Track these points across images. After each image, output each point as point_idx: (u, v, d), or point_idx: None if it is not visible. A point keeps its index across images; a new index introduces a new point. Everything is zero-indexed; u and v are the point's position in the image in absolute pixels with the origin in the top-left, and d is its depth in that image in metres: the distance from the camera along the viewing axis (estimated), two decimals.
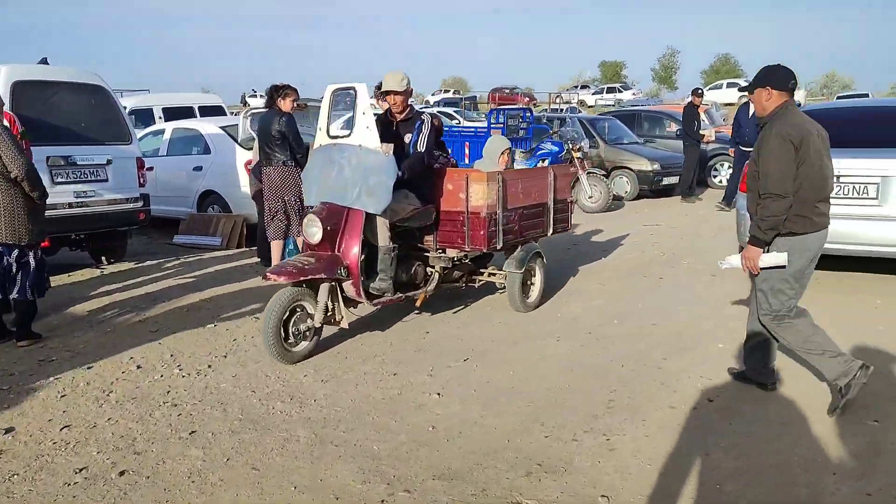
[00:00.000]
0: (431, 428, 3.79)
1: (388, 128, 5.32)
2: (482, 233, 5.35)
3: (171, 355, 4.92)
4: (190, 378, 4.51)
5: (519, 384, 4.38)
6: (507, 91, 44.25)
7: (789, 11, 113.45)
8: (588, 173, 11.62)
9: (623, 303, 6.17)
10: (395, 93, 5.22)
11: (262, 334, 4.64)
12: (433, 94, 52.39)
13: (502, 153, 5.95)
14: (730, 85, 40.85)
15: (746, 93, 4.29)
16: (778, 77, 3.90)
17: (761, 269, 3.85)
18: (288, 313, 4.68)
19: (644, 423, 3.81)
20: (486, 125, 12.50)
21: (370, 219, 4.92)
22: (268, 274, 4.66)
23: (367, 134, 4.85)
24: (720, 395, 4.17)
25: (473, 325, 5.64)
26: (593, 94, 47.06)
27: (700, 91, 12.96)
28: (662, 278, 7.03)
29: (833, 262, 7.09)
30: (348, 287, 4.90)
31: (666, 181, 12.98)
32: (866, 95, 29.61)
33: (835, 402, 3.84)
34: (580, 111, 29.26)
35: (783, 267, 3.81)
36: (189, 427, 3.80)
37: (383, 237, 5.00)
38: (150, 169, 10.37)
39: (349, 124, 4.95)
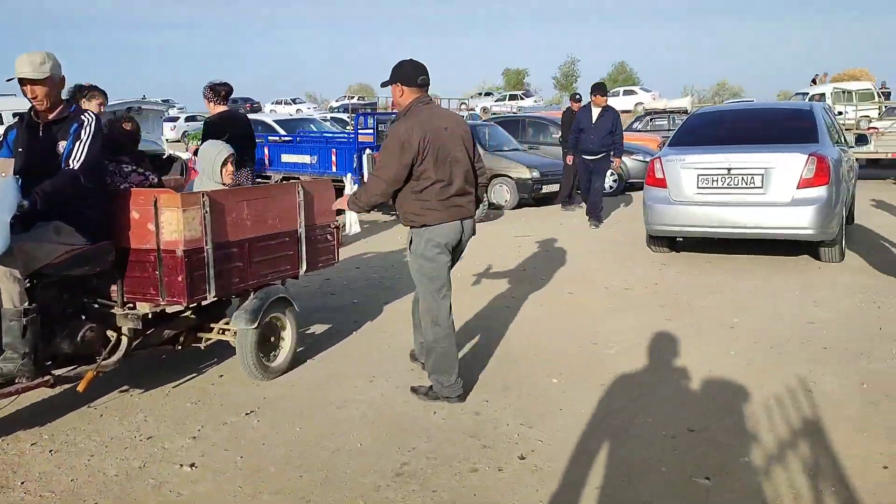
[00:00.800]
0: None
1: (33, 132, 3.83)
2: (180, 278, 3.85)
3: None
4: None
5: (302, 445, 3.59)
6: None
7: (683, 22, 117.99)
8: None
9: (462, 329, 5.48)
10: (33, 82, 3.63)
11: None
12: (337, 101, 51.34)
13: (224, 163, 4.44)
14: (626, 93, 41.75)
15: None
16: (405, 73, 3.95)
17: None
18: None
19: (434, 496, 3.09)
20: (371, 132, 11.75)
21: None
22: None
23: None
24: (536, 449, 3.50)
25: None
26: (496, 101, 47.07)
27: (578, 96, 12.59)
28: (514, 297, 6.40)
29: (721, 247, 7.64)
30: None
31: (546, 189, 12.51)
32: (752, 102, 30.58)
33: (423, 390, 4.15)
34: (481, 118, 28.90)
35: (355, 233, 4.00)
36: None
37: (8, 296, 3.46)
38: None
39: None
